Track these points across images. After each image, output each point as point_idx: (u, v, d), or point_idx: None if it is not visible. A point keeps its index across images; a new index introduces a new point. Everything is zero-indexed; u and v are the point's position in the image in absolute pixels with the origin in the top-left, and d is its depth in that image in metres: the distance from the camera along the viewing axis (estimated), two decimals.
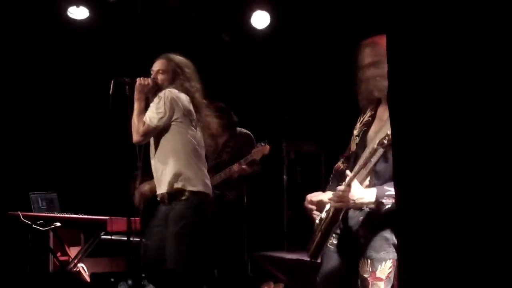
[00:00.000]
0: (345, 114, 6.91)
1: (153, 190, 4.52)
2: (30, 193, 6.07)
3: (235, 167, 5.81)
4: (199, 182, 4.27)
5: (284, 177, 6.80)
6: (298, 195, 6.87)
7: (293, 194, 6.80)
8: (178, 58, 4.42)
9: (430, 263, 2.08)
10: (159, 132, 4.26)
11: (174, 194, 4.23)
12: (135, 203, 4.48)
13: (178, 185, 4.21)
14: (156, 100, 4.25)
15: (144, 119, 4.21)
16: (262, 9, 6.94)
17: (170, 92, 4.25)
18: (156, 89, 4.33)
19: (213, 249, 6.09)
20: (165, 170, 4.24)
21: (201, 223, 4.29)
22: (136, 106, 4.26)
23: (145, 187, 4.62)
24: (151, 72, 4.39)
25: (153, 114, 4.21)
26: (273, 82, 7.66)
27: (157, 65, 4.39)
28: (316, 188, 6.81)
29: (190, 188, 4.22)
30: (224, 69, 7.61)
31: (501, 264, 1.85)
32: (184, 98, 4.29)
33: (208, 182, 4.37)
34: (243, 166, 5.82)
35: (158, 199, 4.35)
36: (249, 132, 6.16)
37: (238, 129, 6.17)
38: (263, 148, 5.80)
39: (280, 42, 7.38)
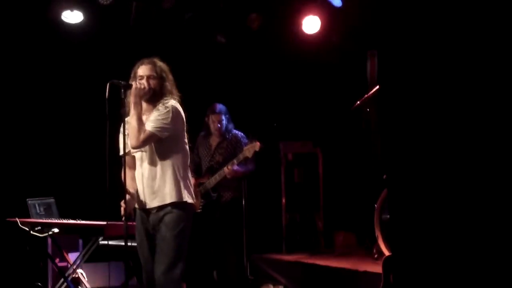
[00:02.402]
0: (341, 113, 6.94)
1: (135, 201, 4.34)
2: (27, 199, 6.05)
3: (226, 170, 5.78)
4: (192, 194, 4.31)
5: (282, 178, 6.77)
6: (296, 196, 6.86)
7: (291, 195, 6.78)
8: (160, 62, 4.37)
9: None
10: (159, 140, 4.22)
11: (172, 204, 4.21)
12: (126, 213, 4.32)
13: (177, 196, 4.20)
14: (162, 109, 4.19)
15: (147, 127, 4.18)
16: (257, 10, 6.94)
17: (176, 105, 4.23)
18: (151, 93, 4.28)
19: (212, 251, 6.08)
20: (164, 181, 4.21)
21: (190, 227, 4.31)
22: (134, 111, 4.18)
23: (131, 203, 4.36)
24: (139, 77, 4.32)
25: (158, 124, 4.17)
26: (269, 83, 7.64)
27: (146, 70, 4.31)
28: (314, 188, 6.85)
29: (189, 200, 4.25)
30: (220, 71, 7.59)
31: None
32: (182, 111, 4.29)
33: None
34: (235, 168, 5.78)
35: (152, 206, 4.25)
36: (241, 132, 6.11)
37: None
38: (253, 145, 5.71)
39: (274, 42, 7.36)
